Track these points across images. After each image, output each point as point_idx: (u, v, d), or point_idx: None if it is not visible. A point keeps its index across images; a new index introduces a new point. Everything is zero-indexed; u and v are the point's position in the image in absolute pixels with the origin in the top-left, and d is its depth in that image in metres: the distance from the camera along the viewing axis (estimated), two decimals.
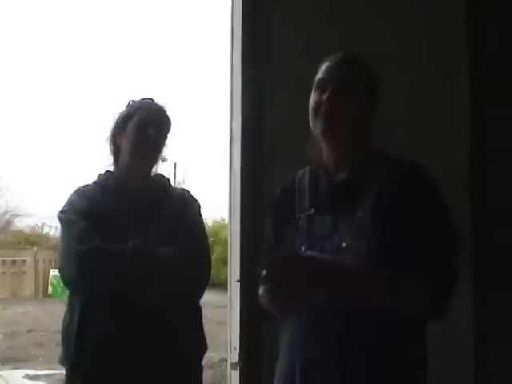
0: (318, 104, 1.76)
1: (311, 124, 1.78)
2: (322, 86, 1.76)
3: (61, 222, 2.30)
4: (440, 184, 1.72)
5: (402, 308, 1.63)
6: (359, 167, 1.75)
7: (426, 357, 1.73)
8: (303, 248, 1.70)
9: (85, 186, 2.37)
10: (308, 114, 1.81)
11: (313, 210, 1.75)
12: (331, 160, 1.79)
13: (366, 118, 1.78)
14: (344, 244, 1.64)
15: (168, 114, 2.39)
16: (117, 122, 2.37)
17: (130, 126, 2.32)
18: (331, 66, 1.78)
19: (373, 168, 1.73)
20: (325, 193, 1.77)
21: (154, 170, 2.41)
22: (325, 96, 1.74)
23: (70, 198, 2.33)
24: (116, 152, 2.37)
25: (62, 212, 2.30)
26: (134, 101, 2.40)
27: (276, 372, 1.80)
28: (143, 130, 2.30)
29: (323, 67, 1.80)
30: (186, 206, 2.35)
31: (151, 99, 2.40)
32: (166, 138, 2.38)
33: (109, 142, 2.38)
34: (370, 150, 1.78)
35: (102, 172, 2.40)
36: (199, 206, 2.40)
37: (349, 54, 1.81)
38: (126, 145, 2.33)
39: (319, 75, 1.79)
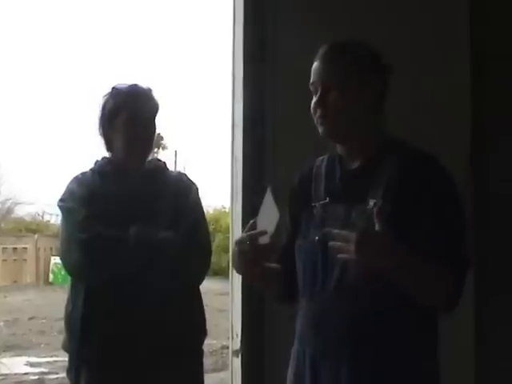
0: (313, 109, 1.73)
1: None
2: (315, 90, 1.73)
3: (61, 211, 2.31)
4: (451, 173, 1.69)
5: (424, 294, 1.61)
6: (372, 155, 1.73)
7: (437, 346, 1.71)
8: (317, 237, 1.69)
9: (82, 174, 2.36)
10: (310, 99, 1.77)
11: (328, 198, 1.74)
12: (343, 150, 1.78)
13: (367, 105, 1.71)
14: None
15: (153, 96, 2.35)
16: (103, 113, 2.32)
17: (119, 123, 2.29)
18: (316, 67, 1.74)
19: (385, 156, 1.71)
20: (339, 181, 1.76)
21: (151, 156, 2.42)
22: (314, 101, 1.71)
23: (68, 186, 2.33)
24: (108, 143, 2.35)
25: (61, 201, 2.31)
26: (116, 88, 2.34)
27: (291, 358, 1.81)
28: (133, 127, 2.27)
29: (313, 67, 1.75)
30: (184, 189, 2.36)
31: (135, 85, 2.35)
32: (155, 119, 2.35)
33: (99, 133, 2.35)
34: (382, 137, 1.75)
35: (99, 159, 2.38)
36: (197, 188, 2.40)
37: (331, 46, 1.74)
38: (118, 141, 2.31)
39: (311, 78, 1.75)
